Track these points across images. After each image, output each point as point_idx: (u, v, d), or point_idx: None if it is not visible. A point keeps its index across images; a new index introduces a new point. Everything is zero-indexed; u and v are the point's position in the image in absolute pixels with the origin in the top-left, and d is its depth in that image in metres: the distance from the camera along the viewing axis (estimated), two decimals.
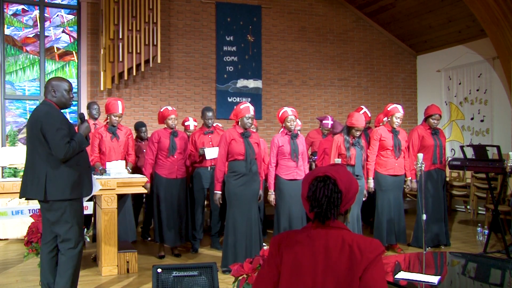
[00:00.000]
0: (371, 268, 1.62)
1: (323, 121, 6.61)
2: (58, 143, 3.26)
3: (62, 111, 3.48)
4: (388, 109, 5.42)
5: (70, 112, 7.67)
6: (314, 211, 1.72)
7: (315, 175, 1.77)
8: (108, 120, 5.23)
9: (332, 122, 6.59)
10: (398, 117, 5.31)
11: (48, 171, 3.29)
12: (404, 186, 5.48)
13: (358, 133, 4.96)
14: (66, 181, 3.31)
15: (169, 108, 5.29)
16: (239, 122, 4.62)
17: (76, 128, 3.53)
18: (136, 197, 6.18)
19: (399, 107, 5.37)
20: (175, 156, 5.16)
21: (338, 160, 4.70)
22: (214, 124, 5.83)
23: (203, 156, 5.44)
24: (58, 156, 3.28)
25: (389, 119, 5.39)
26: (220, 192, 4.61)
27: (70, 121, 3.60)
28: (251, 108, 4.62)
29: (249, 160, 4.53)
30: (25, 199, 3.57)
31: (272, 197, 4.90)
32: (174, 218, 5.13)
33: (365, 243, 1.65)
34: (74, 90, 7.82)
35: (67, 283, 3.40)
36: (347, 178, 1.75)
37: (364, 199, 5.12)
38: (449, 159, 5.97)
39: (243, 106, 4.61)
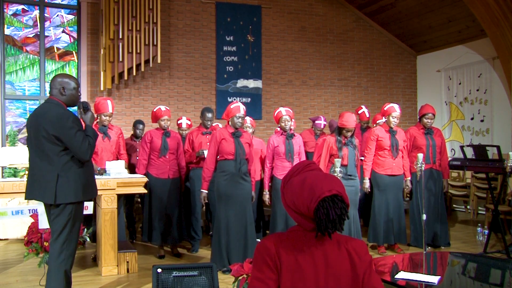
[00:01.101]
0: (370, 271, 1.70)
1: (316, 121, 6.61)
2: (81, 147, 3.19)
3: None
4: (385, 108, 5.41)
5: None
6: (329, 232, 1.66)
7: (321, 194, 1.66)
8: (98, 120, 5.19)
9: (324, 123, 6.59)
10: (395, 117, 5.30)
11: (60, 174, 3.20)
12: (404, 187, 5.48)
13: (349, 134, 4.93)
14: (78, 183, 3.24)
15: (162, 108, 5.26)
16: (230, 122, 4.63)
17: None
18: (128, 197, 6.12)
19: (396, 106, 5.36)
20: (167, 156, 5.16)
21: (338, 161, 4.69)
22: (214, 124, 5.82)
23: (200, 157, 5.43)
24: (83, 159, 3.23)
25: (386, 119, 5.39)
26: (206, 191, 4.61)
27: None
28: (242, 107, 4.61)
29: (239, 160, 4.53)
30: (25, 199, 3.52)
31: (266, 197, 4.94)
32: (164, 217, 5.12)
33: (358, 245, 1.72)
34: None
35: (60, 285, 3.36)
36: (344, 188, 1.73)
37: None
38: (449, 159, 5.97)
39: (234, 106, 4.61)
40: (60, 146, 3.20)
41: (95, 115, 5.18)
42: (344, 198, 1.70)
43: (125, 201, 6.14)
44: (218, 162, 4.58)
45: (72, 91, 3.33)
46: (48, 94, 3.45)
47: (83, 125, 3.40)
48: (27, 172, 3.72)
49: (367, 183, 5.25)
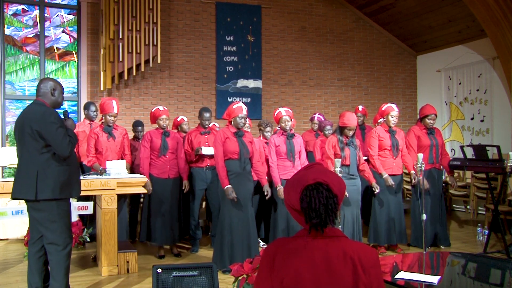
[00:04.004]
0: (373, 280, 1.59)
1: (312, 116, 6.72)
2: (62, 142, 3.31)
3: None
4: (383, 109, 5.41)
5: (70, 112, 7.67)
6: (313, 222, 1.61)
7: (304, 183, 1.64)
8: (103, 120, 5.21)
9: (319, 116, 6.65)
10: (394, 116, 5.31)
11: (39, 170, 3.31)
12: (410, 180, 5.43)
13: (351, 133, 4.94)
14: (56, 180, 3.33)
15: (160, 108, 5.29)
16: (232, 122, 4.63)
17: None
18: (133, 197, 6.14)
19: (394, 105, 5.36)
20: (167, 156, 5.16)
21: (338, 161, 4.69)
22: (211, 125, 5.82)
23: (199, 155, 5.44)
24: (63, 154, 3.33)
25: (385, 119, 5.39)
26: (231, 186, 4.46)
27: None
28: (244, 107, 4.63)
29: (243, 159, 4.54)
30: (11, 199, 3.55)
31: (281, 191, 4.88)
32: (165, 217, 5.12)
33: (366, 256, 1.59)
34: (74, 90, 7.84)
35: (61, 284, 3.40)
36: (336, 179, 1.67)
37: (377, 191, 5.07)
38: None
39: (236, 106, 4.61)
40: (42, 143, 3.31)
41: (101, 115, 5.25)
42: (331, 187, 1.63)
43: (129, 201, 6.16)
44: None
45: (60, 94, 3.54)
46: None
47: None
48: None
49: (389, 178, 5.14)
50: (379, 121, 5.69)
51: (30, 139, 3.32)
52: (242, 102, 4.85)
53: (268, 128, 5.78)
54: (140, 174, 5.09)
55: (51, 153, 3.34)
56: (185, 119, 6.17)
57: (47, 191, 3.30)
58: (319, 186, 1.62)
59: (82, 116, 7.61)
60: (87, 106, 5.99)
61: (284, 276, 1.60)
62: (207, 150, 5.37)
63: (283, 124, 5.00)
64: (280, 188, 4.88)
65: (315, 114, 6.74)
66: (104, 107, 5.11)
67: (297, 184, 1.66)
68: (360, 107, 6.70)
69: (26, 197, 3.37)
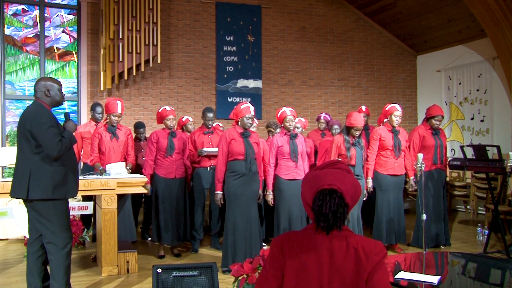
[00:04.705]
0: (377, 271, 1.63)
1: (319, 116, 6.72)
2: (51, 141, 3.28)
3: (52, 110, 3.51)
4: (386, 109, 5.43)
5: (71, 112, 7.68)
6: (320, 224, 1.68)
7: (320, 186, 1.69)
8: (107, 120, 5.22)
9: (325, 115, 6.67)
10: (397, 115, 5.32)
11: (32, 170, 3.31)
12: (406, 186, 5.48)
13: (357, 133, 4.96)
14: (49, 180, 3.32)
15: (167, 108, 5.28)
16: (239, 122, 4.62)
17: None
18: (135, 197, 6.16)
19: (397, 105, 5.38)
20: (173, 156, 5.16)
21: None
22: (214, 124, 5.83)
23: (202, 156, 5.44)
24: (51, 154, 3.30)
25: (388, 119, 5.39)
26: (221, 193, 4.57)
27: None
28: (252, 108, 4.63)
29: (249, 160, 4.53)
30: (11, 198, 3.57)
31: (270, 197, 4.91)
32: (172, 218, 5.13)
33: (369, 246, 1.65)
34: (74, 90, 7.83)
35: (61, 284, 3.40)
36: (352, 188, 1.70)
37: (364, 199, 5.12)
38: (450, 159, 5.98)
39: (244, 106, 4.60)
40: (34, 143, 3.31)
41: (105, 115, 5.27)
42: (345, 195, 1.67)
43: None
44: (229, 162, 4.55)
45: (57, 92, 3.50)
46: None
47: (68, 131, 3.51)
48: None
49: (370, 183, 5.24)
50: (384, 121, 5.70)
51: (24, 139, 3.33)
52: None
53: (278, 130, 5.77)
54: (142, 174, 5.10)
55: (44, 153, 3.33)
56: (190, 119, 6.20)
57: (39, 191, 3.30)
58: (333, 192, 1.67)
59: (83, 116, 7.64)
60: (93, 108, 5.98)
61: (290, 264, 1.67)
62: (210, 150, 5.38)
63: (287, 124, 4.98)
64: (270, 194, 4.92)
65: (321, 113, 6.74)
66: (109, 107, 5.12)
67: (314, 184, 1.71)
68: (363, 107, 6.68)
69: (19, 196, 3.38)
